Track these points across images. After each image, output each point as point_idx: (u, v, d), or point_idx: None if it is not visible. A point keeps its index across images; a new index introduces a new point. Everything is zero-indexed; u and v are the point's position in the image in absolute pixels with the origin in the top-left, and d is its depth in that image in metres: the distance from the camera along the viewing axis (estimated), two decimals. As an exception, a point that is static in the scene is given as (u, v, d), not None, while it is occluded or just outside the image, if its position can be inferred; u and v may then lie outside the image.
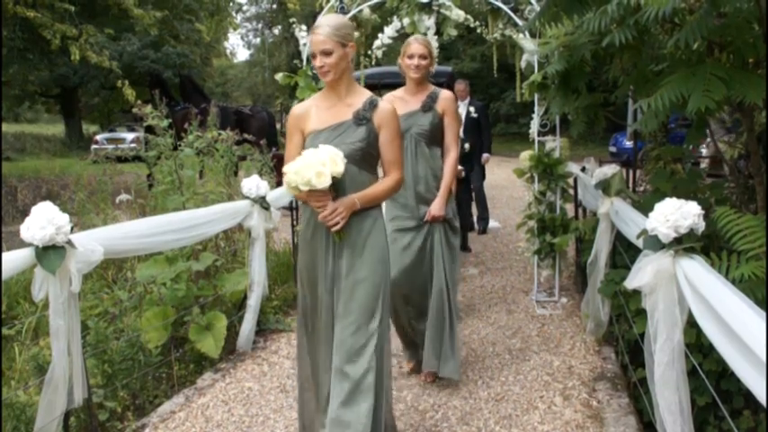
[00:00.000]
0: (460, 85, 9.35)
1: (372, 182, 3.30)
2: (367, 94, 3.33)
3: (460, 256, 7.13)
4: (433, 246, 4.47)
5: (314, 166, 2.96)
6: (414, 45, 4.46)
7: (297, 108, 3.40)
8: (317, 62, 3.17)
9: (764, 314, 1.97)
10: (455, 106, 4.56)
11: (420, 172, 4.46)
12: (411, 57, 4.44)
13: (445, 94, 4.53)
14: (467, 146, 7.80)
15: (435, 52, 4.67)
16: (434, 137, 4.48)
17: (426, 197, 4.45)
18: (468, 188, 8.37)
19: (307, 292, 3.37)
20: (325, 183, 2.97)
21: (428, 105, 4.46)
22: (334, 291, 3.26)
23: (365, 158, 3.24)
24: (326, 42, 3.12)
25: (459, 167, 7.08)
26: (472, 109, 9.16)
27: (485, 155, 9.48)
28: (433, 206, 4.40)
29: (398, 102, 4.38)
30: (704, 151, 11.89)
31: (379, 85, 12.37)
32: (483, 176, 9.64)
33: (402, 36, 6.73)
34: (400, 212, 4.48)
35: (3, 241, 6.83)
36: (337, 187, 3.11)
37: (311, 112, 3.32)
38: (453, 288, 4.54)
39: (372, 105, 3.25)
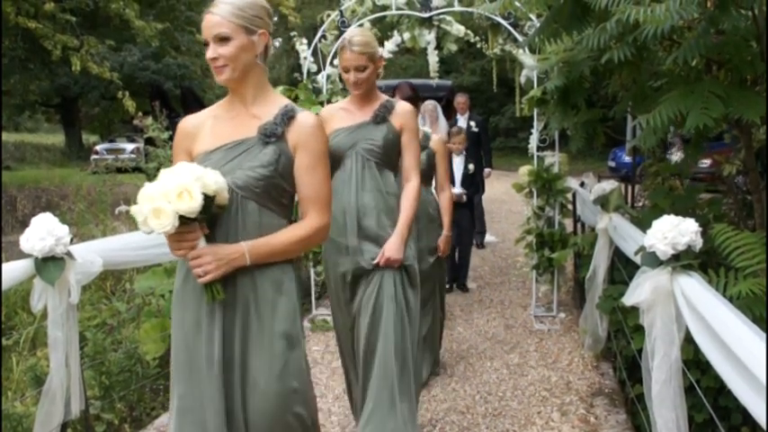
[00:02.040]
0: (461, 99, 9.38)
1: (283, 227, 2.36)
2: (283, 102, 2.42)
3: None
4: (381, 302, 3.33)
5: (155, 198, 2.08)
6: (347, 55, 3.39)
7: (186, 121, 2.50)
8: (209, 52, 2.30)
9: (760, 331, 1.97)
10: (416, 123, 3.59)
11: (367, 201, 3.38)
12: (346, 70, 3.42)
13: (403, 106, 3.53)
14: (471, 167, 7.28)
15: (379, 50, 3.55)
16: (388, 156, 3.46)
17: (375, 235, 3.37)
18: (471, 214, 7.58)
19: (182, 388, 2.40)
20: (164, 226, 2.07)
21: (381, 116, 3.45)
22: (220, 382, 2.29)
23: (271, 192, 2.32)
24: (223, 24, 2.25)
25: (460, 191, 6.94)
26: (473, 123, 9.19)
27: (486, 169, 9.50)
28: (388, 245, 3.31)
29: (342, 113, 3.54)
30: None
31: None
32: (482, 190, 9.66)
33: (402, 50, 6.78)
34: (338, 257, 3.44)
35: (2, 251, 6.82)
36: (215, 225, 2.27)
37: (205, 125, 2.43)
38: (405, 363, 3.33)
39: (287, 117, 2.35)
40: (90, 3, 16.85)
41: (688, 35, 3.46)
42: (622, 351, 4.43)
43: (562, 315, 6.23)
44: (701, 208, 4.45)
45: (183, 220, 2.10)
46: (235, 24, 2.27)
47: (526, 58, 5.96)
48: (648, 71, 4.13)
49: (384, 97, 3.57)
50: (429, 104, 8.80)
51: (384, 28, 6.54)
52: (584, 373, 4.90)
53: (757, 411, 1.86)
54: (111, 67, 15.75)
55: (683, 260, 2.71)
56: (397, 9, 6.12)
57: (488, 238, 9.96)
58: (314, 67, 6.34)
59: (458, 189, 6.92)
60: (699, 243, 2.77)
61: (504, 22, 5.98)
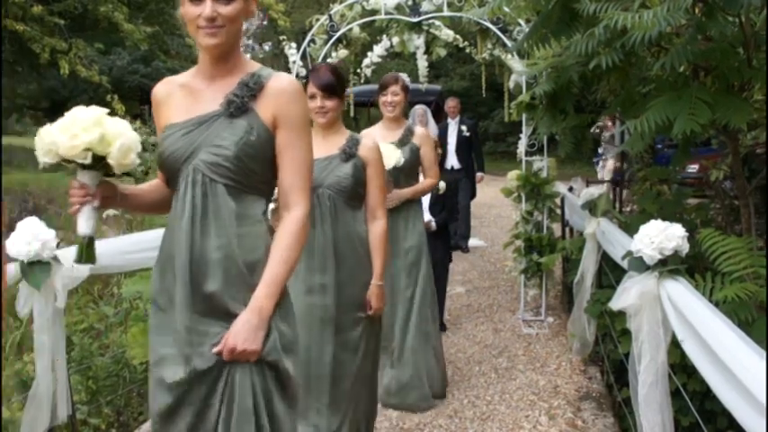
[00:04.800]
0: (452, 103, 9.38)
1: None
2: None
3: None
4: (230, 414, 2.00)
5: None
6: None
7: None
8: None
9: (746, 336, 1.99)
10: (301, 104, 2.15)
11: (210, 252, 2.01)
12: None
13: (278, 78, 2.11)
14: (442, 185, 5.43)
15: None
16: (247, 172, 2.05)
17: (222, 310, 2.02)
18: (445, 245, 5.93)
19: None
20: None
21: (239, 103, 2.04)
22: None
23: None
24: None
25: (426, 218, 5.24)
26: (464, 127, 9.20)
27: (479, 174, 9.50)
28: (235, 326, 1.97)
29: (180, 95, 2.16)
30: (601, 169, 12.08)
31: (369, 103, 12.44)
32: (473, 195, 9.62)
33: (392, 55, 6.80)
34: (163, 349, 2.09)
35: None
36: None
37: None
38: None
39: None
40: (79, 6, 16.79)
41: (676, 41, 3.47)
42: (610, 355, 4.44)
43: (550, 319, 6.24)
44: (688, 213, 4.48)
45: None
46: None
47: (515, 63, 5.98)
48: (636, 77, 4.15)
49: (255, 65, 2.17)
50: (419, 108, 8.80)
51: (373, 32, 6.54)
52: (572, 376, 4.91)
53: (742, 415, 1.87)
54: (100, 70, 15.71)
55: (669, 265, 2.73)
56: (387, 14, 6.12)
57: (476, 242, 9.95)
58: (303, 72, 6.33)
59: (424, 216, 5.17)
60: (686, 248, 2.79)
61: (493, 27, 5.99)
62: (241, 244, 2.04)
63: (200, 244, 2.03)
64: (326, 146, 3.24)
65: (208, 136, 2.05)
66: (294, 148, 2.09)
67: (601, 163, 12.34)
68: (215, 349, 1.99)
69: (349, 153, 3.26)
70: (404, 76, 4.63)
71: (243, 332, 1.96)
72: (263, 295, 2.00)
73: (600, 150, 12.24)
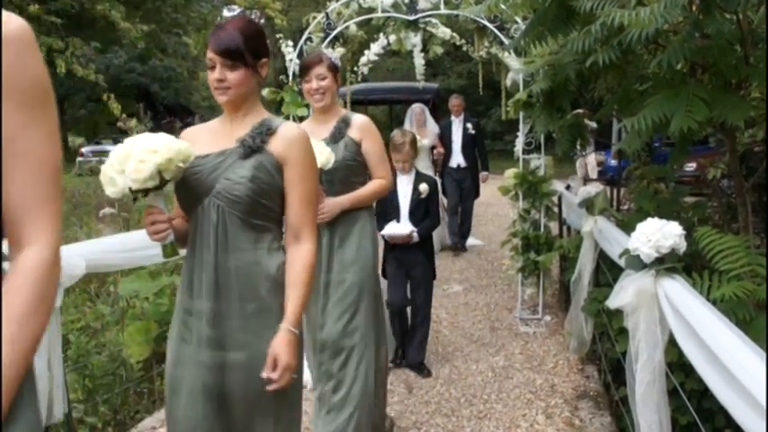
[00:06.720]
0: (456, 101, 9.24)
1: None
2: None
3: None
4: None
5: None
6: None
7: None
8: None
9: (743, 334, 1.98)
10: (35, 63, 1.37)
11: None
12: None
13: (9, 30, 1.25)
14: (423, 188, 4.77)
15: None
16: None
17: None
18: (429, 259, 4.92)
19: None
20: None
21: None
22: None
23: None
24: None
25: (408, 229, 4.70)
26: (469, 125, 9.09)
27: (483, 173, 9.43)
28: None
29: None
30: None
31: (366, 102, 12.43)
32: (477, 194, 9.55)
33: (389, 53, 6.79)
34: None
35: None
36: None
37: None
38: None
39: None
40: (75, 4, 16.77)
41: (673, 39, 3.47)
42: (607, 354, 4.44)
43: (547, 318, 6.23)
44: (685, 211, 4.48)
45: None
46: None
47: (512, 60, 5.97)
48: (633, 74, 4.15)
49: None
50: (417, 107, 8.76)
51: (370, 30, 6.53)
52: (569, 375, 4.90)
53: (740, 414, 1.86)
54: (96, 69, 15.69)
55: (666, 263, 2.73)
56: (384, 11, 6.11)
57: (474, 241, 9.94)
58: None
59: (404, 226, 4.72)
60: (683, 246, 2.79)
61: (489, 25, 5.98)
62: None
63: None
64: (228, 136, 2.29)
65: None
66: (22, 135, 1.21)
67: (580, 160, 12.23)
68: None
69: (251, 146, 2.23)
70: (329, 53, 3.63)
71: None
72: None
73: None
